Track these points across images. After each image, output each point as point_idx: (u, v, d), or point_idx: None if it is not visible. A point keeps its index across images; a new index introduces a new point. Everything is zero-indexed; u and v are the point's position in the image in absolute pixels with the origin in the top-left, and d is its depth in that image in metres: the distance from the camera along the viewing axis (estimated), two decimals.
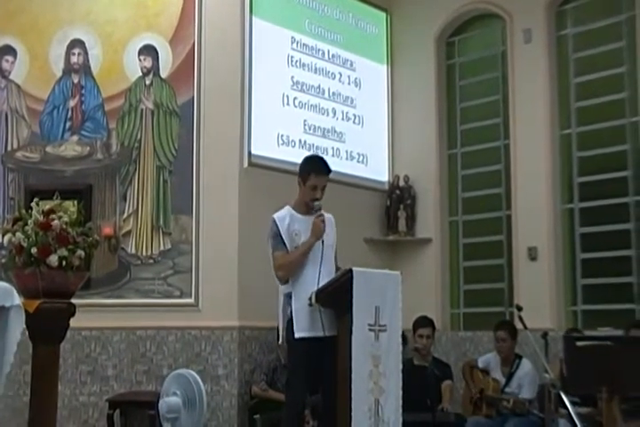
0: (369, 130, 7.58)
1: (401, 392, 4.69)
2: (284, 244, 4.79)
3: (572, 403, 4.95)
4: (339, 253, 5.04)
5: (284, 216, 4.86)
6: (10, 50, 6.80)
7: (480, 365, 6.19)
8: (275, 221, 4.84)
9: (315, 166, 4.91)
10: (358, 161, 7.43)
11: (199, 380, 5.11)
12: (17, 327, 3.58)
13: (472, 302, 7.31)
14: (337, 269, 4.98)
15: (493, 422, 5.79)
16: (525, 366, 6.03)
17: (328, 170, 4.93)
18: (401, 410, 4.67)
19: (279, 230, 4.81)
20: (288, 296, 4.78)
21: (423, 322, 6.37)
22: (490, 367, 6.15)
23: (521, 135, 6.97)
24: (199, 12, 6.60)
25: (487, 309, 7.14)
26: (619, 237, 6.44)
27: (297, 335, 4.70)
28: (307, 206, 4.89)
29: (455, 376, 6.31)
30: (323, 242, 4.83)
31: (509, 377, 6.03)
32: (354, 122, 7.47)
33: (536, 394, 5.84)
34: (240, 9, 6.60)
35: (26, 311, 3.81)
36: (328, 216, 5.03)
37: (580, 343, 4.71)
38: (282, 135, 6.80)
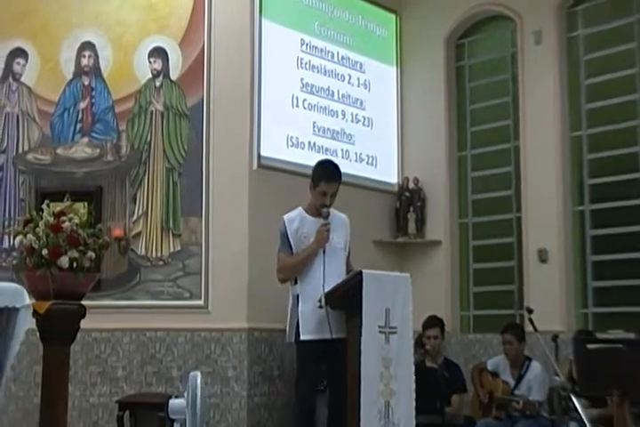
0: (378, 132, 7.57)
1: (414, 395, 4.69)
2: (290, 246, 4.82)
3: (582, 404, 4.94)
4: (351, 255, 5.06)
5: (294, 218, 4.90)
6: (21, 52, 6.82)
7: (489, 367, 6.18)
8: (284, 221, 4.88)
9: (325, 173, 4.94)
10: (368, 163, 7.42)
11: (198, 381, 5.11)
12: (23, 328, 3.59)
13: (482, 304, 7.28)
14: (349, 271, 4.99)
15: (503, 424, 5.78)
16: (535, 368, 6.01)
17: (339, 176, 4.94)
18: (414, 412, 4.67)
19: (287, 232, 4.86)
20: (296, 298, 4.81)
21: (430, 323, 6.38)
22: (499, 370, 6.14)
23: (531, 137, 6.95)
24: (209, 14, 6.60)
25: (497, 311, 7.11)
26: (630, 240, 6.40)
27: (302, 337, 4.72)
28: (317, 209, 4.91)
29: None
30: (324, 251, 4.83)
31: (519, 379, 6.02)
32: (363, 124, 7.46)
33: (546, 396, 5.83)
34: (249, 11, 6.60)
35: (36, 313, 3.83)
36: (342, 217, 5.05)
37: (590, 346, 4.70)
38: (291, 137, 6.80)
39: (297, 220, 4.92)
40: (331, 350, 4.70)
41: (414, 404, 4.73)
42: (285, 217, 4.95)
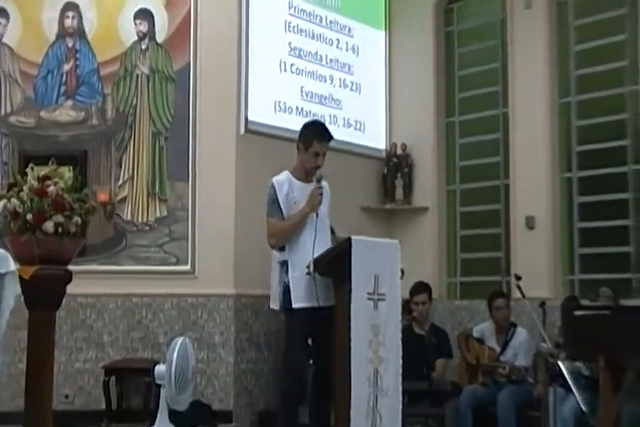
0: (366, 97, 7.50)
1: (401, 361, 4.68)
2: (281, 210, 4.74)
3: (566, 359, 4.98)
4: (333, 221, 5.02)
5: (284, 182, 4.78)
6: (2, 12, 6.62)
7: (475, 334, 6.20)
8: (274, 185, 4.76)
9: (317, 133, 4.86)
10: (355, 128, 7.36)
11: (177, 347, 5.10)
12: (11, 294, 3.54)
13: (469, 270, 7.29)
14: (332, 232, 4.97)
15: (489, 390, 5.82)
16: (520, 334, 6.05)
17: (330, 136, 4.89)
18: (400, 379, 4.67)
19: (277, 196, 4.74)
20: (285, 264, 4.75)
21: (417, 289, 6.38)
22: (485, 336, 6.17)
23: (520, 103, 6.91)
24: None
25: (484, 278, 7.12)
26: (617, 207, 6.41)
27: (295, 306, 4.67)
28: (306, 173, 4.84)
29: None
30: (317, 215, 4.77)
31: (505, 346, 6.06)
32: (351, 89, 7.39)
33: (532, 362, 5.87)
34: None
35: (22, 278, 3.77)
36: (325, 184, 4.98)
37: (577, 312, 4.70)
38: (279, 102, 6.73)
39: (286, 184, 4.80)
40: (319, 317, 4.66)
41: (401, 371, 4.73)
42: (275, 180, 4.79)
